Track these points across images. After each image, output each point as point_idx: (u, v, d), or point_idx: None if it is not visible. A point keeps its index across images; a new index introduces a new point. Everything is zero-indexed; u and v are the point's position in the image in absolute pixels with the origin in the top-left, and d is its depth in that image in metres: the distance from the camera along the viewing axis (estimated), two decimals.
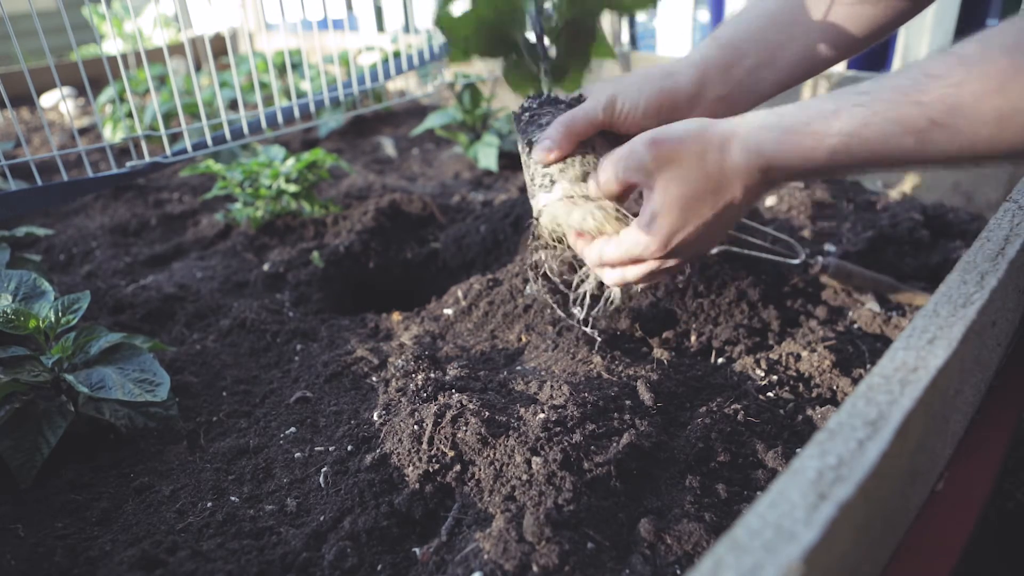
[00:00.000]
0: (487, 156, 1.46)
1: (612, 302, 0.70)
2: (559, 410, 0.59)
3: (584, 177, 0.62)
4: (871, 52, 1.57)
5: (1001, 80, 0.42)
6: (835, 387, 0.66)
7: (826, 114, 0.50)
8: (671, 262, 0.60)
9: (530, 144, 0.63)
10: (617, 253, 0.60)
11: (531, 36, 0.70)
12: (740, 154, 0.54)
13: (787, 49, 0.70)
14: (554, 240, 0.64)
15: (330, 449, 0.65)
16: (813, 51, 0.70)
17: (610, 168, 0.59)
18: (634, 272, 0.62)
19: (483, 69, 1.76)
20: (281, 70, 2.29)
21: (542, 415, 0.58)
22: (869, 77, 1.25)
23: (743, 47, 0.69)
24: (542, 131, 0.63)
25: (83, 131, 2.12)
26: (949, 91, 0.44)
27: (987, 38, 0.43)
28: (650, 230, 0.58)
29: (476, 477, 0.55)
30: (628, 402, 0.64)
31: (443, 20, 0.67)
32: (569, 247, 0.65)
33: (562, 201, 0.62)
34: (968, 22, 1.43)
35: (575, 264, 0.69)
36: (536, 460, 0.53)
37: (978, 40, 0.43)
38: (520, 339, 0.81)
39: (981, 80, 0.43)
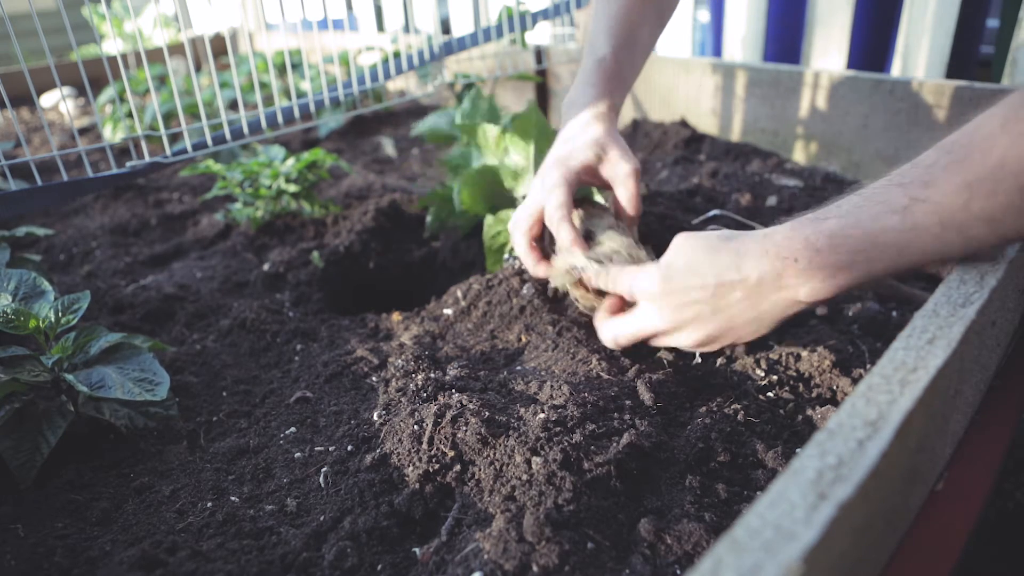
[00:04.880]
0: None
1: None
2: (559, 410, 0.59)
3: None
4: (871, 52, 1.57)
5: (964, 154, 0.46)
6: (835, 387, 0.66)
7: (829, 205, 0.54)
8: (685, 337, 0.65)
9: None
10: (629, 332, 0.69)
11: None
12: (757, 243, 0.58)
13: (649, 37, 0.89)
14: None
15: (330, 449, 0.65)
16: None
17: (625, 282, 0.68)
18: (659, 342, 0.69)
19: (483, 69, 1.76)
20: (281, 70, 2.29)
21: (542, 415, 0.58)
22: (868, 76, 1.26)
23: (624, 83, 0.86)
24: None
25: (83, 131, 2.12)
26: (924, 170, 0.48)
27: (966, 127, 0.48)
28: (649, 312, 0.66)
29: (476, 477, 0.55)
30: (628, 402, 0.64)
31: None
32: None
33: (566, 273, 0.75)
34: (968, 22, 1.43)
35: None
36: (536, 460, 0.53)
37: (960, 129, 0.48)
38: (520, 339, 0.81)
39: (948, 155, 0.47)
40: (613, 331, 0.70)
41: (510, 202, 1.01)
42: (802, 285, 0.55)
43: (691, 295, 0.61)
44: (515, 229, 0.80)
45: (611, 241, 0.74)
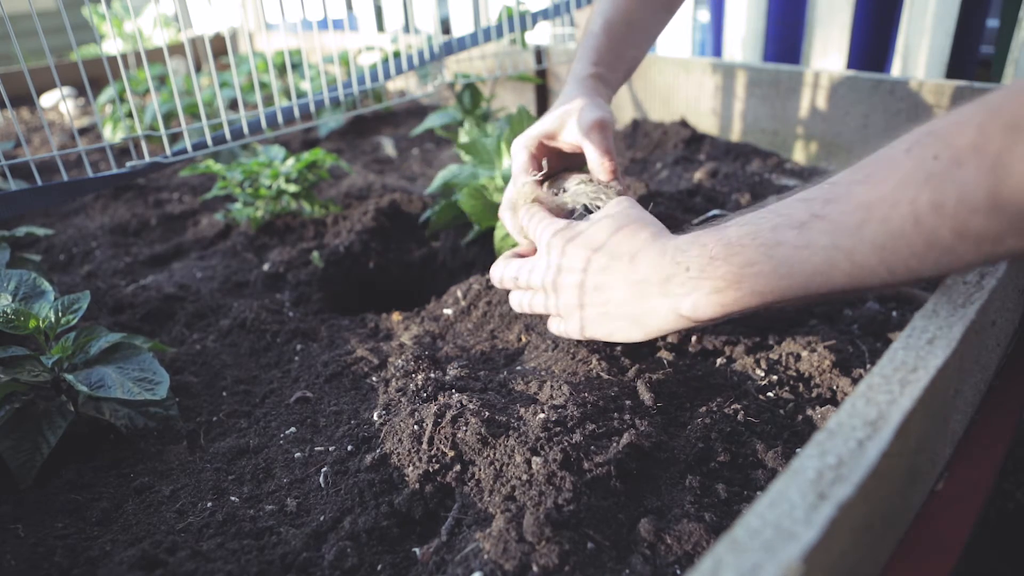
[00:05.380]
0: None
1: None
2: (559, 410, 0.59)
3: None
4: (871, 52, 1.57)
5: (867, 174, 0.44)
6: (835, 387, 0.66)
7: (740, 214, 0.52)
8: (561, 301, 0.65)
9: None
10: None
11: None
12: (661, 242, 0.58)
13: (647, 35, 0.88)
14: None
15: (330, 449, 0.65)
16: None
17: (535, 224, 0.69)
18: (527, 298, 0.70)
19: (483, 69, 1.76)
20: (281, 70, 2.29)
21: (542, 415, 0.58)
22: (868, 76, 1.26)
23: (615, 73, 0.85)
24: None
25: (83, 131, 2.12)
26: (829, 187, 0.46)
27: (879, 149, 0.46)
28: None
29: (476, 477, 0.55)
30: (628, 402, 0.64)
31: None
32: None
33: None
34: (968, 22, 1.43)
35: None
36: (536, 460, 0.53)
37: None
38: (520, 339, 0.81)
39: (853, 174, 0.45)
40: (503, 267, 0.71)
41: None
42: (687, 296, 0.54)
43: (580, 262, 0.61)
44: (500, 210, 0.81)
45: (575, 186, 0.73)
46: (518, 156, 0.78)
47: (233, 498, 0.60)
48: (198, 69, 2.68)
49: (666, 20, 0.91)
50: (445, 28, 2.48)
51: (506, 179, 1.00)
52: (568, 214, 0.73)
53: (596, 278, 0.60)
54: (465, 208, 1.01)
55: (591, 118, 0.73)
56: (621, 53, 0.85)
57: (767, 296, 0.49)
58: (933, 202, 0.40)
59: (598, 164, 0.73)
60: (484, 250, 1.10)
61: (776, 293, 0.49)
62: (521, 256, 0.73)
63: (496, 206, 1.00)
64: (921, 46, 1.44)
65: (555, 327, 0.68)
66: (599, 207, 0.69)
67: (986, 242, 0.39)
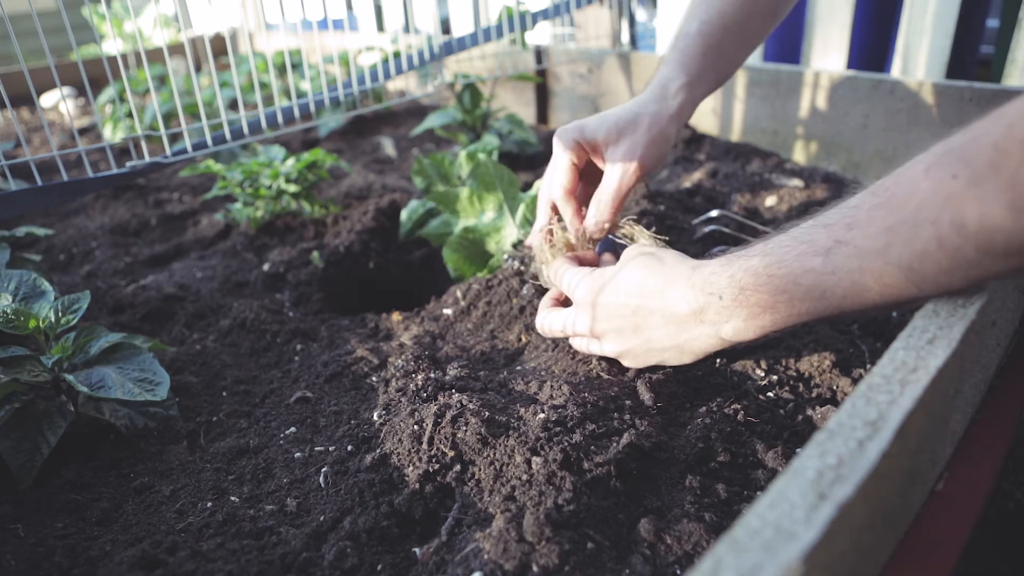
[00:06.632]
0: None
1: None
2: (559, 410, 0.59)
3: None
4: (871, 52, 1.57)
5: (887, 197, 0.45)
6: (835, 387, 0.66)
7: (759, 243, 0.53)
8: (607, 347, 0.66)
9: None
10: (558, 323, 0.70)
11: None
12: (687, 273, 0.59)
13: (749, 36, 0.82)
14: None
15: (330, 449, 0.65)
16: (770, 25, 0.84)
17: (564, 280, 0.70)
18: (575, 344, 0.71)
19: (483, 69, 1.76)
20: (281, 70, 2.29)
21: (542, 415, 0.58)
22: (868, 76, 1.25)
23: (710, 72, 0.80)
24: None
25: (83, 131, 2.12)
26: (849, 212, 0.47)
27: (896, 170, 0.46)
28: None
29: (476, 477, 0.55)
30: (628, 402, 0.64)
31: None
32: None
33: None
34: (968, 22, 1.43)
35: None
36: (536, 460, 0.53)
37: (891, 173, 0.46)
38: (520, 339, 0.81)
39: (873, 197, 0.46)
40: (545, 319, 0.72)
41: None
42: (725, 322, 0.55)
43: (614, 310, 0.63)
44: (535, 246, 0.81)
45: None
46: (558, 165, 0.78)
47: (233, 498, 0.60)
48: (198, 69, 2.68)
49: (771, 26, 0.84)
50: (445, 28, 2.48)
51: (485, 229, 0.99)
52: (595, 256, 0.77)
53: (631, 321, 0.62)
54: (449, 263, 0.99)
55: (627, 164, 0.74)
56: (712, 61, 0.80)
57: (803, 317, 0.51)
58: (955, 222, 0.40)
59: (599, 204, 0.76)
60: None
61: (812, 314, 0.50)
62: (558, 301, 0.75)
63: (484, 253, 0.99)
64: (921, 46, 1.44)
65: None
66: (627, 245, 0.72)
67: (1012, 256, 0.40)
